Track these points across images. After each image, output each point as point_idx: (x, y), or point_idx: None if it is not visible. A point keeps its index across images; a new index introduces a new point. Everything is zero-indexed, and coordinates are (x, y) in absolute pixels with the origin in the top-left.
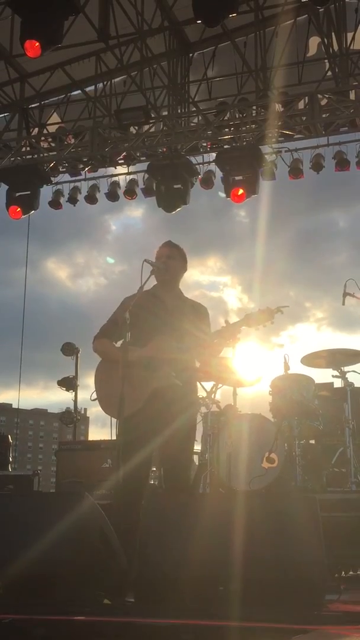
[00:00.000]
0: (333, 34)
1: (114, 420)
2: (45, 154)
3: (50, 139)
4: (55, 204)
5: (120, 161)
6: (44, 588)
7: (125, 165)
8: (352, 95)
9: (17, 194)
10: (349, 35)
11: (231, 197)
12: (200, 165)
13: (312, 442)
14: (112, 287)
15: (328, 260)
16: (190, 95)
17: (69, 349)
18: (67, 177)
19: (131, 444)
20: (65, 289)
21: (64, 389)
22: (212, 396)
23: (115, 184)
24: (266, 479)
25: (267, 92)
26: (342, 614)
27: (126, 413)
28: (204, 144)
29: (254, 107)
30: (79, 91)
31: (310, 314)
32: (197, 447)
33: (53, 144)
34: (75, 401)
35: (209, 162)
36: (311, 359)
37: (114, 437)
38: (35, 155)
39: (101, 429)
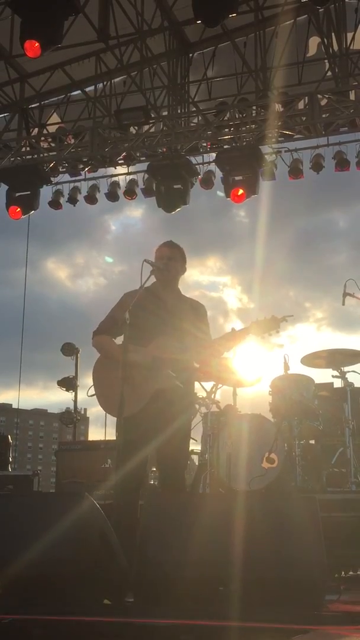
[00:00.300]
0: (333, 34)
1: (114, 419)
2: (45, 154)
3: (50, 139)
4: (55, 204)
5: (120, 161)
6: (44, 588)
7: (125, 166)
8: (352, 96)
9: (17, 194)
10: (349, 35)
11: (231, 197)
12: (200, 166)
13: (312, 442)
14: (111, 287)
15: (328, 260)
16: (190, 95)
17: (69, 349)
18: (67, 177)
19: (132, 443)
20: (65, 289)
21: (64, 389)
22: (212, 396)
23: (115, 184)
24: (266, 479)
25: (267, 92)
26: (342, 614)
27: (127, 413)
28: (204, 144)
29: (254, 107)
30: (79, 91)
31: (310, 314)
32: (197, 447)
33: (53, 144)
34: (75, 401)
35: (208, 162)
36: (311, 359)
37: (114, 437)
38: (35, 156)
39: (101, 429)
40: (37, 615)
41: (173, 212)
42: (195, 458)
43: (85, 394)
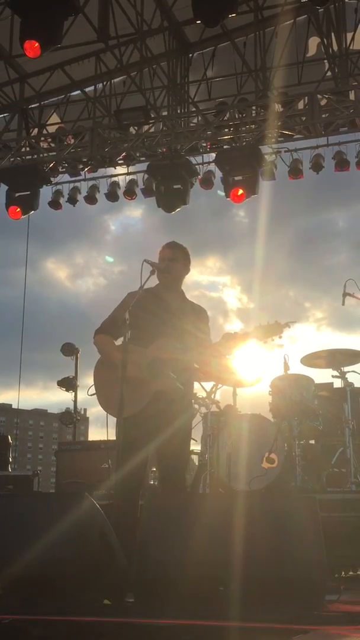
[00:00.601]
0: (333, 34)
1: (114, 419)
2: (45, 154)
3: (50, 139)
4: (55, 204)
5: (120, 161)
6: (44, 588)
7: (124, 166)
8: (351, 96)
9: (17, 194)
10: (349, 35)
11: (231, 197)
12: (200, 166)
13: (312, 442)
14: (111, 287)
15: (327, 260)
16: (190, 95)
17: (69, 349)
18: (66, 177)
19: (132, 443)
20: (64, 289)
21: (64, 389)
22: (212, 396)
23: (115, 184)
24: (266, 479)
25: (266, 92)
26: (342, 614)
27: (127, 413)
28: (204, 144)
29: (254, 108)
30: (79, 91)
31: (309, 314)
32: (197, 447)
33: (53, 144)
34: (75, 401)
35: (208, 163)
36: (311, 359)
37: (114, 437)
38: (35, 156)
39: (101, 429)
40: (37, 615)
41: (173, 212)
42: (195, 458)
43: (85, 394)
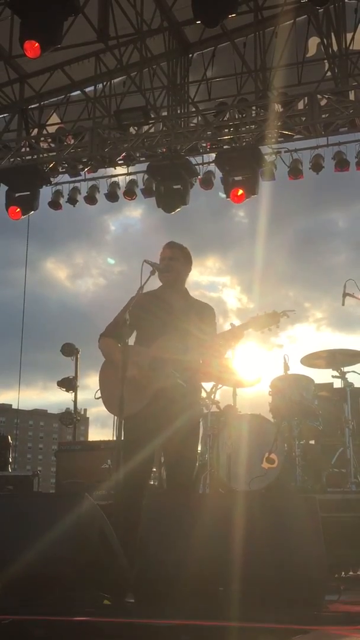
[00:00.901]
0: (332, 34)
1: (117, 420)
2: (44, 155)
3: (49, 140)
4: (54, 204)
5: (119, 162)
6: (44, 588)
7: (124, 166)
8: (351, 96)
9: (17, 195)
10: (349, 35)
11: (231, 197)
12: (200, 166)
13: (312, 442)
14: (111, 287)
15: (327, 260)
16: (190, 95)
17: (69, 350)
18: (66, 177)
19: (133, 442)
20: (64, 290)
21: (64, 389)
22: (212, 396)
23: (115, 185)
24: (266, 479)
25: (266, 92)
26: (342, 614)
27: (129, 413)
28: (204, 145)
29: (254, 108)
30: (79, 92)
31: (309, 314)
32: (197, 447)
33: (52, 145)
34: (75, 402)
35: (208, 163)
36: (311, 360)
37: (116, 437)
38: (35, 156)
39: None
40: (37, 615)
41: (173, 213)
42: None
43: (85, 395)
